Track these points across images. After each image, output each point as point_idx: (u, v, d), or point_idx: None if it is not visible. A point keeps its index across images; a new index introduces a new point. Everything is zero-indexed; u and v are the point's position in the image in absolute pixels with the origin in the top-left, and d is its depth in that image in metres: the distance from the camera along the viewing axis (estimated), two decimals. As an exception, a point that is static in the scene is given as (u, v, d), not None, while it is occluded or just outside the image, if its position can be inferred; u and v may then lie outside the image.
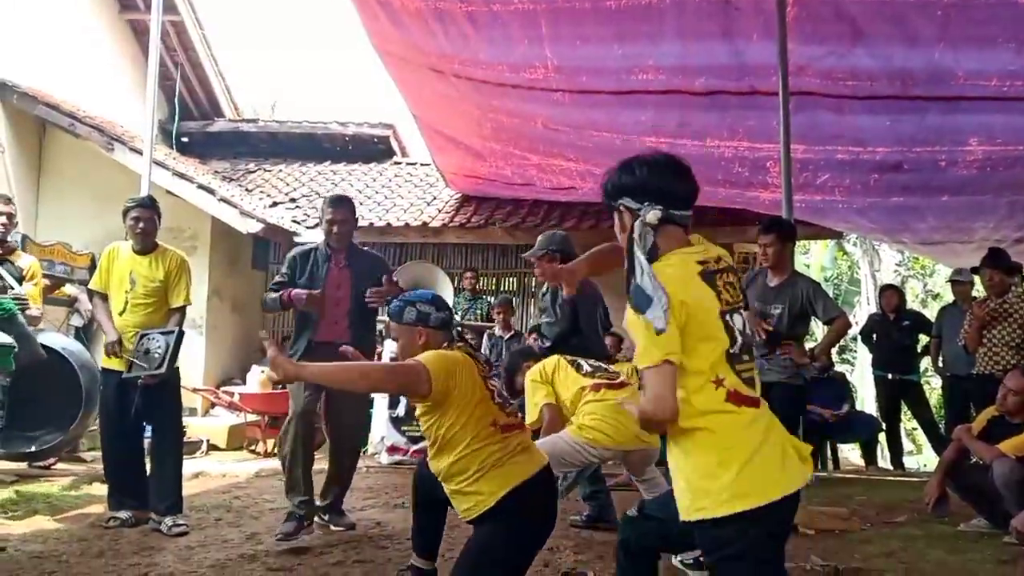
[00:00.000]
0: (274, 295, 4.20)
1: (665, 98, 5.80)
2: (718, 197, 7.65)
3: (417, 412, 2.66)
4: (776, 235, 4.59)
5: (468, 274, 8.55)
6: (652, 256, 1.90)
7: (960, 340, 5.72)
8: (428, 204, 9.78)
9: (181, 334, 4.24)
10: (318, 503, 4.25)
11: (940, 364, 7.03)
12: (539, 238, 4.88)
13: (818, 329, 9.17)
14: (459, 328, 2.82)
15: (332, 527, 4.26)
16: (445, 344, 2.63)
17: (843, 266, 18.46)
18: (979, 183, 6.30)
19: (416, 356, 2.51)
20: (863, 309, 18.13)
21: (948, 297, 17.18)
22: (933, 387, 11.80)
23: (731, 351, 1.88)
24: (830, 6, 4.68)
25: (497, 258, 9.63)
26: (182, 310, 4.43)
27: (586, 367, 3.78)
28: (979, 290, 7.17)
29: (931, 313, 9.49)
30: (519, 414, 2.74)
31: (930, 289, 18.41)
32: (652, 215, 1.92)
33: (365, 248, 4.66)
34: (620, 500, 4.41)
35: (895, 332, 7.22)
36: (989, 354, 5.44)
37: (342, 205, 4.32)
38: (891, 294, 7.53)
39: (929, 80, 5.07)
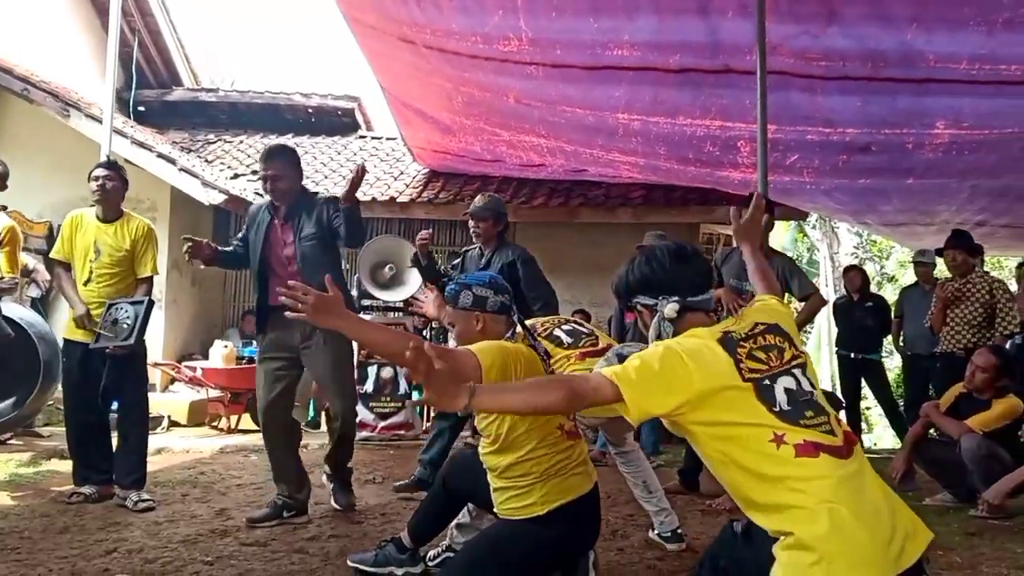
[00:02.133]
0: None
1: (639, 75, 5.76)
2: (688, 176, 7.67)
3: None
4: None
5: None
6: None
7: (926, 322, 5.83)
8: (395, 179, 9.65)
9: (151, 304, 4.12)
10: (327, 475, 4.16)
11: (901, 343, 7.17)
12: (482, 199, 4.74)
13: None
14: (520, 316, 2.58)
15: (334, 504, 4.10)
16: (507, 334, 2.46)
17: (802, 248, 18.74)
18: (944, 166, 6.40)
19: (473, 344, 2.32)
20: (821, 290, 18.46)
21: (903, 280, 17.66)
22: (888, 367, 12.06)
23: (776, 410, 1.74)
24: (807, -16, 4.67)
25: (465, 235, 9.52)
26: (149, 280, 4.29)
27: (565, 338, 3.64)
28: (940, 271, 7.33)
29: (886, 295, 9.68)
30: (575, 419, 2.58)
31: (886, 271, 18.83)
32: (670, 308, 1.90)
33: (317, 196, 4.10)
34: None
35: (858, 312, 7.33)
36: (951, 333, 5.55)
37: (273, 158, 3.90)
38: (855, 275, 7.65)
39: (900, 62, 5.11)
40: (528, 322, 3.05)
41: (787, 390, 1.77)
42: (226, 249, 4.13)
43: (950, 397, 4.66)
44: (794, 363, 1.84)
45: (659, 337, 1.89)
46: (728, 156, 6.85)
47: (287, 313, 2.13)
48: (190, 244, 3.85)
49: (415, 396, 7.50)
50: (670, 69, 5.64)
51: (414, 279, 8.04)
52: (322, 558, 3.22)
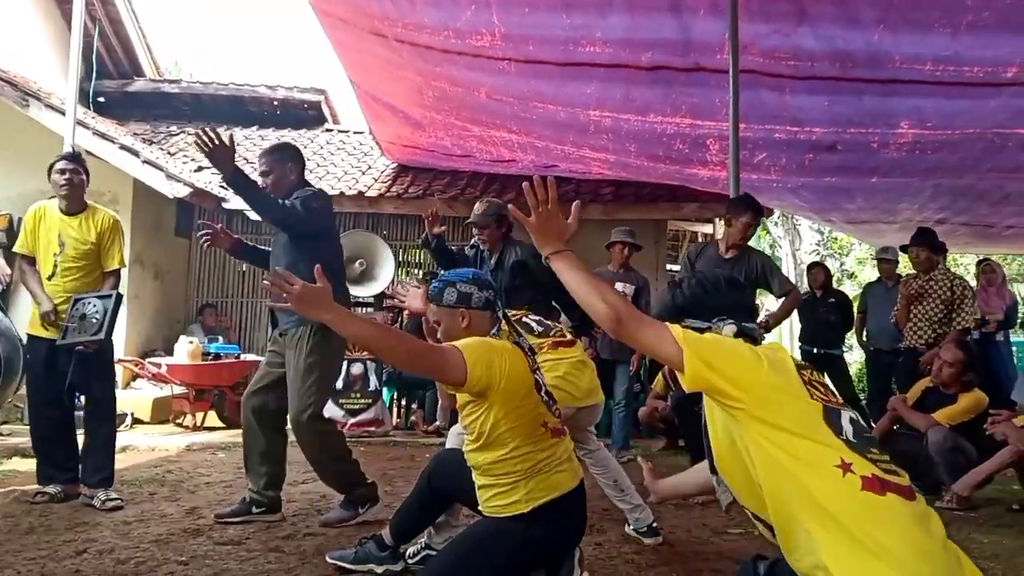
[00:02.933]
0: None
1: (611, 72, 5.79)
2: (657, 173, 7.74)
3: (458, 403, 2.44)
4: (754, 213, 4.70)
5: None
6: None
7: (892, 318, 5.95)
8: (363, 173, 9.57)
9: (120, 298, 4.02)
10: None
11: (864, 338, 7.31)
12: (482, 206, 4.64)
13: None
14: (504, 312, 2.54)
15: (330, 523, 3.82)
16: (493, 330, 2.43)
17: (765, 244, 18.98)
18: (908, 165, 6.55)
19: (458, 341, 2.29)
20: (783, 286, 18.74)
21: (862, 276, 17.99)
22: (848, 361, 12.29)
23: (843, 438, 1.65)
24: (777, -16, 4.73)
25: (434, 230, 9.51)
26: (116, 273, 4.19)
27: (536, 326, 3.54)
28: (903, 267, 7.49)
29: (846, 291, 9.84)
30: (559, 415, 2.52)
31: (845, 268, 19.17)
32: (729, 330, 1.85)
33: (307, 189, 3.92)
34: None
35: (821, 308, 7.45)
36: (915, 329, 5.67)
37: (263, 155, 3.87)
38: (818, 271, 7.77)
39: (867, 63, 5.20)
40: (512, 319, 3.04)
41: (852, 420, 1.70)
42: (261, 248, 4.03)
43: (917, 391, 4.77)
44: (844, 404, 1.78)
45: None
46: (697, 154, 6.92)
47: (270, 304, 2.10)
48: (208, 232, 3.78)
49: (386, 392, 7.47)
50: (642, 67, 5.68)
51: (385, 274, 8.00)
52: (299, 556, 3.18)
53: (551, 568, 2.44)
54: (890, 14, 4.68)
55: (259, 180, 3.78)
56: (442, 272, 2.61)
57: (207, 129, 3.44)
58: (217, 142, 3.39)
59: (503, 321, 2.47)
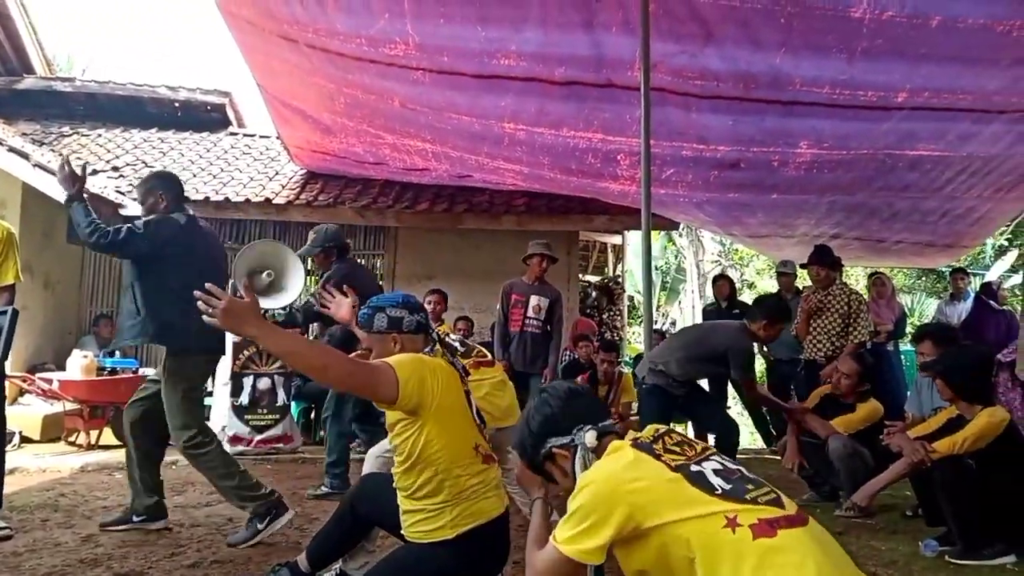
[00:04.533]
0: None
1: (525, 85, 5.82)
2: (570, 186, 7.82)
3: (387, 422, 2.38)
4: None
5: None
6: None
7: (792, 331, 6.19)
8: (270, 179, 9.32)
9: (16, 314, 3.78)
10: None
11: (764, 348, 7.58)
12: (312, 234, 5.25)
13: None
14: (436, 333, 2.52)
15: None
16: (426, 350, 2.40)
17: (671, 256, 19.51)
18: (805, 183, 6.84)
19: (391, 358, 2.26)
20: (687, 296, 19.29)
21: (761, 286, 18.68)
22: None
23: (718, 492, 1.69)
24: (686, 5, 4.84)
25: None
26: (11, 288, 3.97)
27: (458, 346, 3.62)
28: (800, 280, 7.81)
29: (746, 300, 10.20)
30: (490, 440, 2.50)
31: (745, 278, 19.88)
32: (590, 436, 1.87)
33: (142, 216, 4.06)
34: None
35: (725, 319, 7.67)
36: (813, 342, 5.93)
37: (139, 185, 4.16)
38: (723, 284, 8.02)
39: (769, 84, 5.41)
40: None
41: (716, 469, 1.75)
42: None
43: (815, 398, 4.98)
44: (708, 452, 1.84)
45: (586, 468, 1.84)
46: (608, 168, 7.04)
47: (204, 317, 2.04)
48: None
49: (294, 406, 7.27)
50: (555, 81, 5.74)
51: (295, 285, 7.77)
52: (205, 585, 3.05)
53: None
54: (791, 38, 4.87)
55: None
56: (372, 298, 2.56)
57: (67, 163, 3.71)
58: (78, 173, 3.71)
59: (436, 343, 2.45)
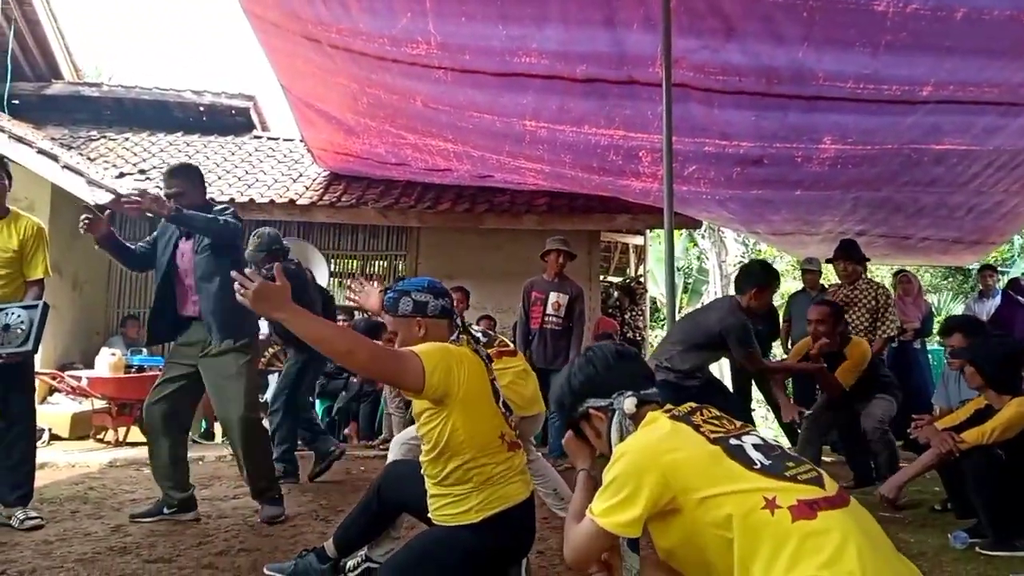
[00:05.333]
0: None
1: (546, 83, 5.84)
2: (592, 184, 7.82)
3: (414, 411, 2.40)
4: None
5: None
6: None
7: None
8: (294, 181, 9.41)
9: (46, 308, 3.86)
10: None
11: (789, 346, 7.52)
12: (253, 238, 5.45)
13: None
14: (461, 320, 2.57)
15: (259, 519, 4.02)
16: (452, 338, 2.41)
17: (692, 256, 19.41)
18: (829, 179, 6.79)
19: (417, 346, 2.27)
20: (710, 297, 19.18)
21: (785, 288, 18.50)
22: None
23: (757, 468, 1.66)
24: (706, 1, 4.84)
25: (367, 239, 9.45)
26: (40, 283, 4.03)
27: (481, 336, 3.64)
28: (825, 278, 7.75)
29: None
30: (516, 428, 2.50)
31: (769, 279, 19.69)
32: (629, 403, 1.85)
33: (215, 208, 4.26)
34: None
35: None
36: (840, 338, 5.87)
37: (174, 176, 4.13)
38: (747, 282, 7.96)
39: (792, 79, 5.38)
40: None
41: (755, 446, 1.72)
42: (127, 244, 4.21)
43: (796, 354, 5.10)
44: (747, 428, 1.82)
45: (622, 436, 1.83)
46: (630, 165, 7.03)
47: (238, 296, 2.10)
48: (88, 217, 3.83)
49: (318, 405, 7.33)
50: (576, 79, 5.75)
51: (319, 276, 7.90)
52: (233, 572, 3.09)
53: None
54: (813, 32, 4.85)
55: (170, 201, 3.93)
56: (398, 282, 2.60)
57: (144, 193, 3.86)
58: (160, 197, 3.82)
59: (461, 330, 2.46)
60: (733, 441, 1.72)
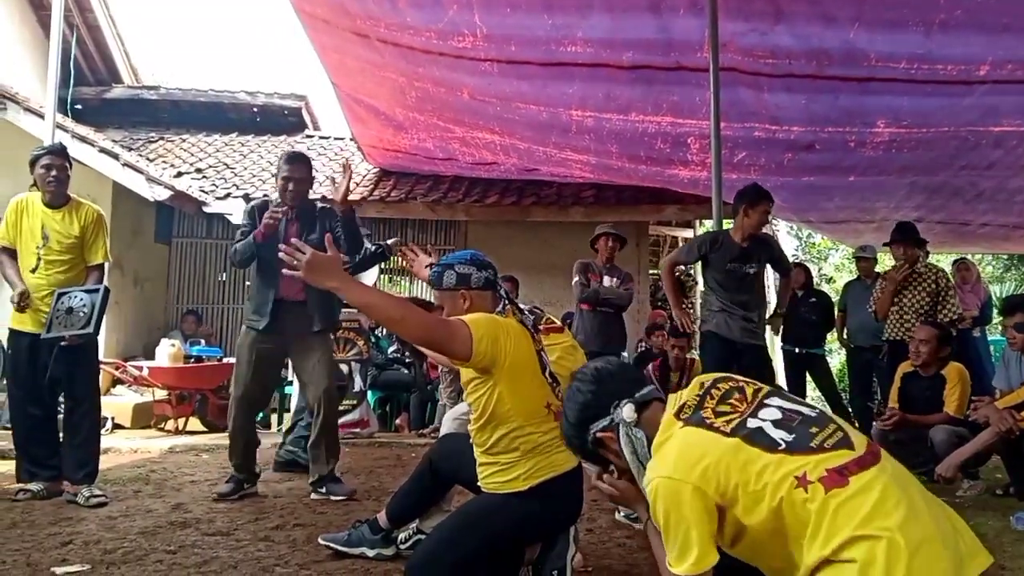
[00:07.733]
0: (246, 240, 4.19)
1: (592, 71, 5.84)
2: (639, 174, 7.79)
3: (463, 379, 2.45)
4: (770, 202, 5.04)
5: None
6: (650, 452, 1.76)
7: (870, 307, 6.01)
8: (344, 178, 9.55)
9: (107, 292, 4.01)
10: (313, 475, 4.25)
11: (845, 336, 7.39)
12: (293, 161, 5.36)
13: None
14: (505, 290, 2.57)
15: (332, 497, 4.14)
16: (498, 310, 2.43)
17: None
18: (884, 164, 6.64)
19: (466, 316, 2.31)
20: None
21: (840, 282, 18.15)
22: (831, 362, 12.39)
23: (782, 448, 1.62)
24: (754, -17, 4.80)
25: (417, 233, 9.55)
26: (101, 268, 4.18)
27: (528, 314, 3.64)
28: (881, 266, 7.59)
29: (824, 290, 9.95)
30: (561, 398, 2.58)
31: (824, 273, 19.34)
32: (627, 411, 1.81)
33: (319, 204, 4.60)
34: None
35: (802, 308, 7.51)
36: (898, 321, 5.73)
37: (297, 161, 4.29)
38: (799, 272, 7.82)
39: (843, 61, 5.28)
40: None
41: (775, 421, 1.67)
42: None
43: (898, 380, 4.83)
44: (762, 394, 1.76)
45: (636, 454, 1.79)
46: (678, 153, 6.98)
47: (284, 271, 2.17)
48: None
49: (371, 396, 7.44)
50: (623, 66, 5.73)
51: (368, 278, 7.98)
52: (289, 545, 3.17)
53: (546, 543, 2.45)
54: (864, 12, 4.75)
55: (287, 185, 4.19)
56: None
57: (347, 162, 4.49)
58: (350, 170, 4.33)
59: (507, 302, 2.49)
60: (751, 423, 1.67)
